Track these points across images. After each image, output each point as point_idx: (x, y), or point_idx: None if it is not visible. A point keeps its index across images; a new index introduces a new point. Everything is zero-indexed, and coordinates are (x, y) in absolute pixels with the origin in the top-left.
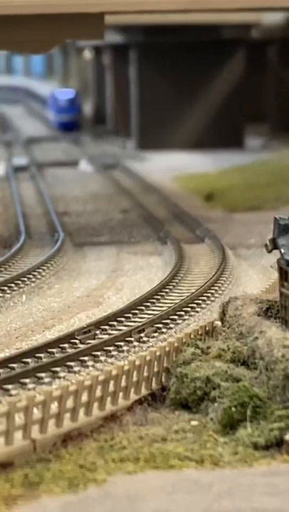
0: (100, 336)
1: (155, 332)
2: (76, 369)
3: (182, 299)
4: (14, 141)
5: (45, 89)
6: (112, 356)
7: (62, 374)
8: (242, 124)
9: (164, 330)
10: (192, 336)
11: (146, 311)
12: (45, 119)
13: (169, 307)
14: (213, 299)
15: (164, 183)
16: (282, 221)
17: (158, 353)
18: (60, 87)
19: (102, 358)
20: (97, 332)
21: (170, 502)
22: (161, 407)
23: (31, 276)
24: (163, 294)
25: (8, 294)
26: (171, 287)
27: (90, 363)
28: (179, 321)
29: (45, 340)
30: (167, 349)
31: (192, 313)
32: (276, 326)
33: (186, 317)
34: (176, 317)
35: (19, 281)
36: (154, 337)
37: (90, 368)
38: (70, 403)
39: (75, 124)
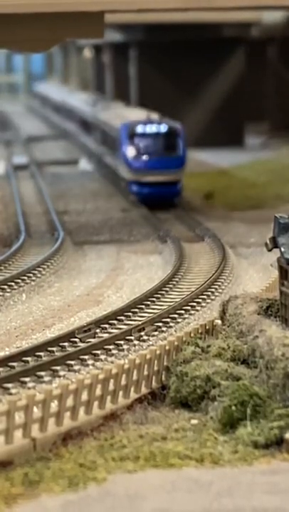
0: (100, 335)
1: (155, 331)
2: (76, 368)
3: (182, 298)
4: (14, 139)
5: (109, 117)
6: (112, 355)
7: (62, 373)
8: (242, 122)
9: (164, 328)
10: (192, 335)
11: (146, 310)
12: (45, 118)
13: (169, 306)
14: (213, 297)
15: None
16: (282, 220)
17: (158, 352)
18: (141, 115)
19: (102, 357)
20: (97, 331)
21: (170, 501)
22: (161, 405)
23: (31, 274)
24: (163, 292)
25: (8, 292)
26: (171, 286)
27: (90, 362)
28: (179, 320)
29: (45, 339)
30: (167, 348)
31: (192, 311)
32: (276, 325)
33: (186, 316)
34: (176, 316)
35: (19, 280)
36: (154, 336)
37: (90, 367)
38: (70, 402)
39: (174, 190)
